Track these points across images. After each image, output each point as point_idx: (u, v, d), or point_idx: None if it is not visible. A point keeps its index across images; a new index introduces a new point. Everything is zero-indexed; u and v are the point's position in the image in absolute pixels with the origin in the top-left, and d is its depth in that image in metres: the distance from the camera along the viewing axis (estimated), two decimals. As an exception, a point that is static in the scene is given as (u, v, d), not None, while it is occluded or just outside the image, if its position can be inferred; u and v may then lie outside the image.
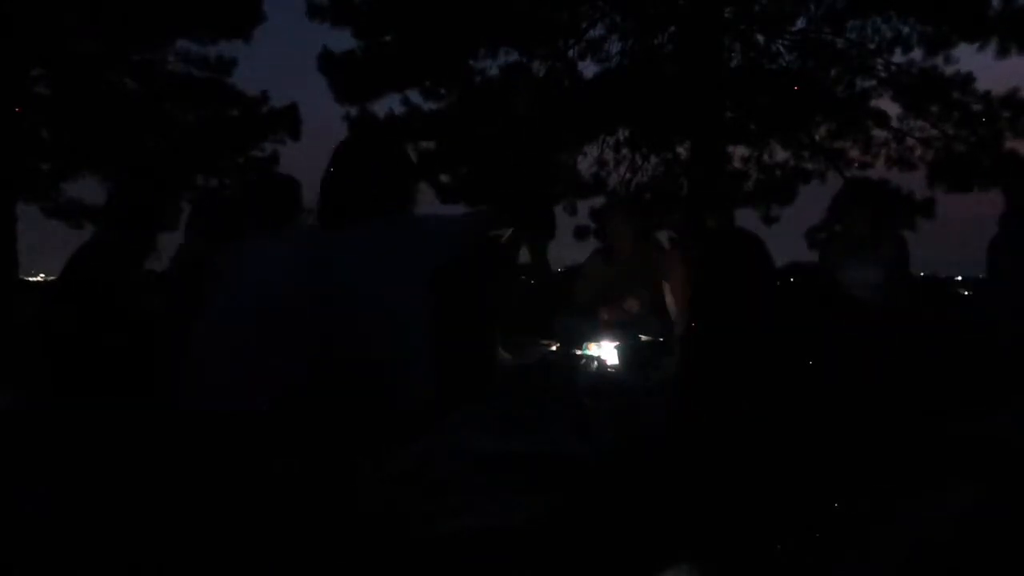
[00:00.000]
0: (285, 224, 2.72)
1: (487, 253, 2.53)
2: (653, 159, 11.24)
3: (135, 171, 3.07)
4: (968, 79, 9.72)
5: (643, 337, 3.35)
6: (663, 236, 4.20)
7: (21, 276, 11.23)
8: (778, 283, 2.22)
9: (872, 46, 9.88)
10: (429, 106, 10.85)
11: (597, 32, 10.48)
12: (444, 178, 11.10)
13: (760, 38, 10.26)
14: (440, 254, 2.17)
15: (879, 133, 10.37)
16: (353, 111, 10.86)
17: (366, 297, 2.08)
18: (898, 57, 9.87)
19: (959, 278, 12.02)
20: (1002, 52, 9.19)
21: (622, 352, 3.12)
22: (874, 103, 10.26)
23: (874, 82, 10.10)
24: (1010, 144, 9.49)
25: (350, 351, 2.10)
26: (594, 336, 3.37)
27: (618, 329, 3.47)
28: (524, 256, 4.96)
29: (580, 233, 11.50)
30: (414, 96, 10.79)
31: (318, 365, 2.21)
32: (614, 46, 10.53)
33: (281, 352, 2.35)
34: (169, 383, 2.41)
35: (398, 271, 2.10)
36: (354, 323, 2.09)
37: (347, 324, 2.10)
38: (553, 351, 3.32)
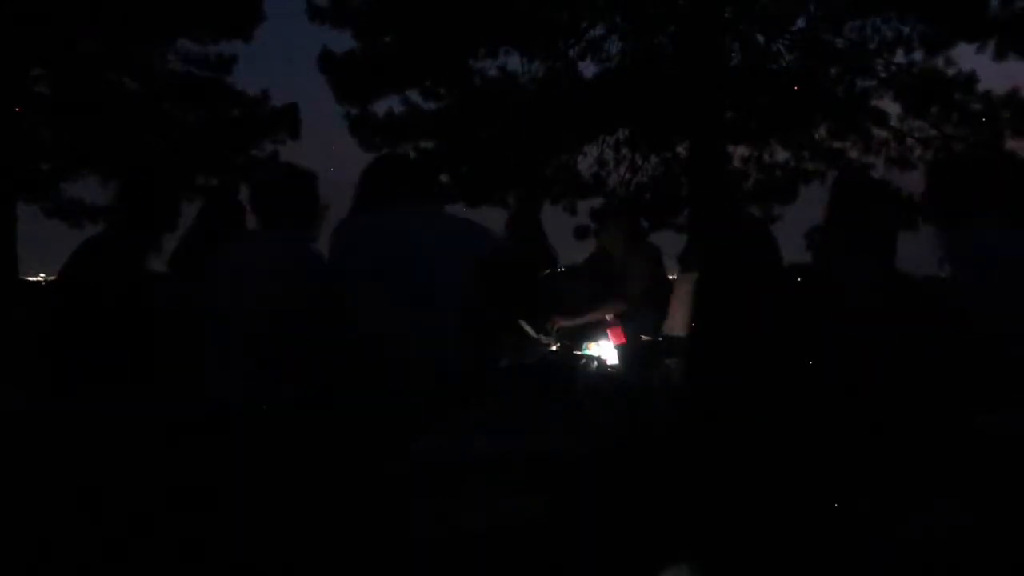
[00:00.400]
0: (305, 220, 2.66)
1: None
2: (653, 159, 11.24)
3: (138, 171, 3.03)
4: (969, 79, 9.71)
5: (643, 337, 3.35)
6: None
7: (21, 276, 11.22)
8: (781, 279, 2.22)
9: (872, 46, 9.87)
10: (429, 106, 10.85)
11: (597, 32, 10.48)
12: (444, 178, 11.09)
13: (760, 38, 10.25)
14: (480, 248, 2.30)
15: (879, 133, 10.37)
16: (353, 111, 10.88)
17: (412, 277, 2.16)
18: (899, 57, 9.89)
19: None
20: (1000, 54, 9.18)
21: (622, 352, 3.11)
22: (874, 103, 10.27)
23: (874, 82, 10.10)
24: (1010, 144, 9.49)
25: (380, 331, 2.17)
26: (594, 336, 3.37)
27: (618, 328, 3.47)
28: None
29: (580, 233, 11.50)
30: (414, 96, 10.82)
31: (331, 358, 2.24)
32: (614, 46, 10.54)
33: (290, 350, 2.37)
34: (171, 382, 2.42)
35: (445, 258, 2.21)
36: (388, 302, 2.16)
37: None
38: (553, 351, 3.32)
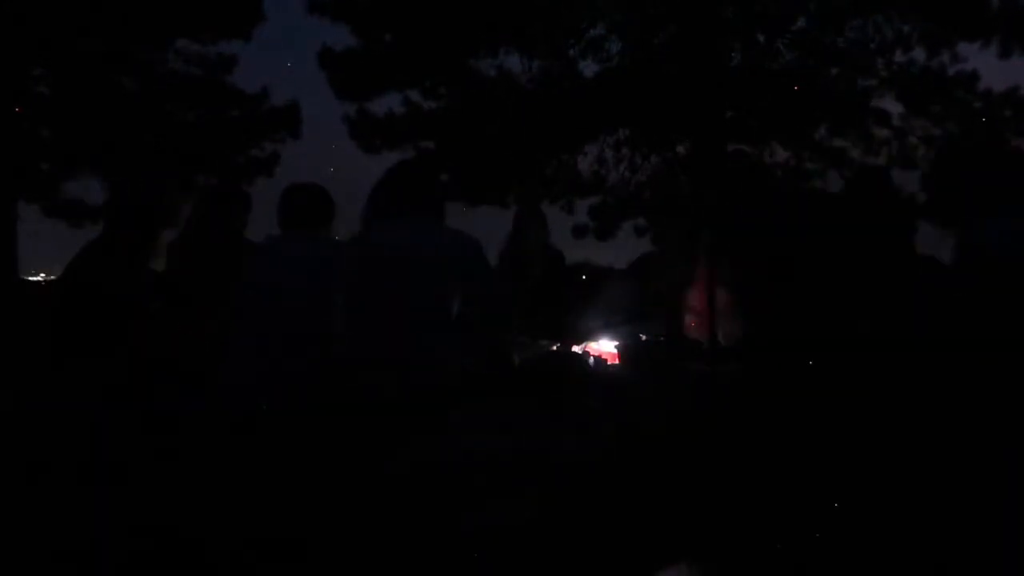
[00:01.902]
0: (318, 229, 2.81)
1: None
2: (653, 158, 11.23)
3: (134, 169, 3.09)
4: (970, 78, 9.71)
5: (643, 336, 3.34)
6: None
7: (21, 276, 11.22)
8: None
9: (873, 45, 9.87)
10: (429, 105, 10.85)
11: (597, 32, 10.48)
12: (444, 177, 11.07)
13: (760, 38, 10.25)
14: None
15: (880, 132, 10.37)
16: (353, 110, 10.89)
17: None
18: (899, 56, 9.88)
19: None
20: (1004, 52, 9.19)
21: (622, 351, 3.11)
22: (875, 102, 10.27)
23: (875, 81, 10.10)
24: (1013, 143, 9.48)
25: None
26: (594, 335, 3.36)
27: (618, 328, 3.47)
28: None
29: (579, 232, 11.51)
30: (414, 95, 10.82)
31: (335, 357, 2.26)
32: (614, 46, 10.54)
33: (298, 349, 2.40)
34: (176, 381, 2.43)
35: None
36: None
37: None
38: (554, 351, 3.31)
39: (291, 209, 2.83)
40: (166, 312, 2.70)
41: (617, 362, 3.08)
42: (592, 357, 3.08)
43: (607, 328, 3.41)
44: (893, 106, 10.21)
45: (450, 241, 2.36)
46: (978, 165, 2.19)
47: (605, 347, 3.20)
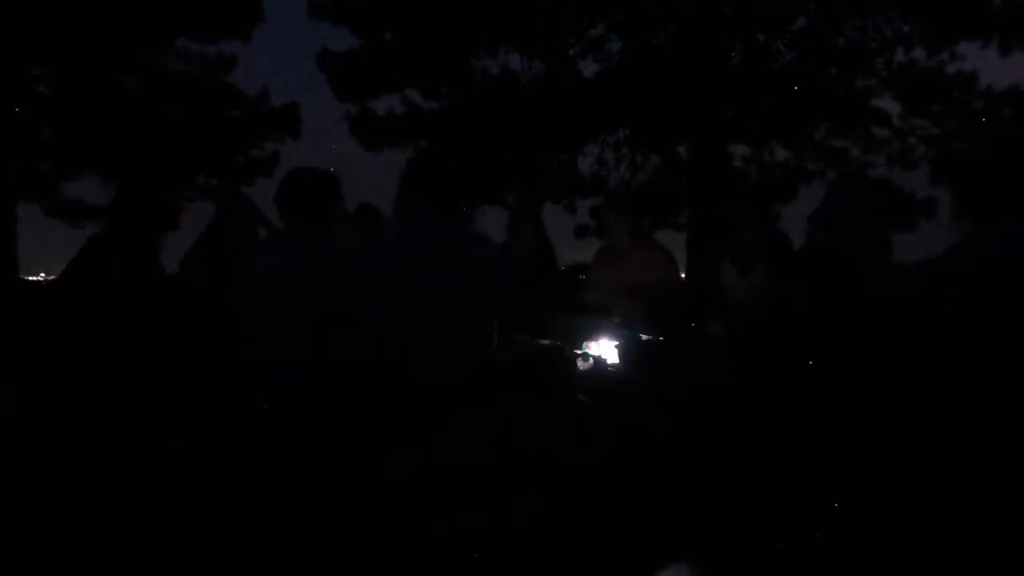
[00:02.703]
0: (324, 220, 2.66)
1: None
2: (653, 159, 11.24)
3: (138, 170, 3.09)
4: (969, 77, 9.71)
5: (643, 336, 3.34)
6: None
7: (21, 276, 11.23)
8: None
9: (873, 45, 9.87)
10: (429, 105, 10.87)
11: (597, 32, 10.48)
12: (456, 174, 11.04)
13: (760, 38, 10.25)
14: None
15: (880, 132, 10.37)
16: (354, 110, 10.90)
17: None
18: (899, 56, 9.89)
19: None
20: (1004, 50, 9.19)
21: (622, 351, 3.10)
22: (875, 102, 10.27)
23: (874, 81, 10.10)
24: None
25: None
26: (594, 334, 3.35)
27: (618, 327, 3.46)
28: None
29: (580, 232, 11.51)
30: (414, 96, 10.83)
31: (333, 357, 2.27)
32: (614, 46, 10.55)
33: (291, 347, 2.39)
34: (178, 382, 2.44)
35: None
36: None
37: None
38: (538, 345, 3.30)
39: (295, 201, 2.66)
40: (168, 312, 2.70)
41: (617, 362, 3.08)
42: (592, 357, 3.08)
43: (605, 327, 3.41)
44: (893, 106, 10.23)
45: (466, 243, 2.34)
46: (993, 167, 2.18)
47: (605, 347, 3.20)
